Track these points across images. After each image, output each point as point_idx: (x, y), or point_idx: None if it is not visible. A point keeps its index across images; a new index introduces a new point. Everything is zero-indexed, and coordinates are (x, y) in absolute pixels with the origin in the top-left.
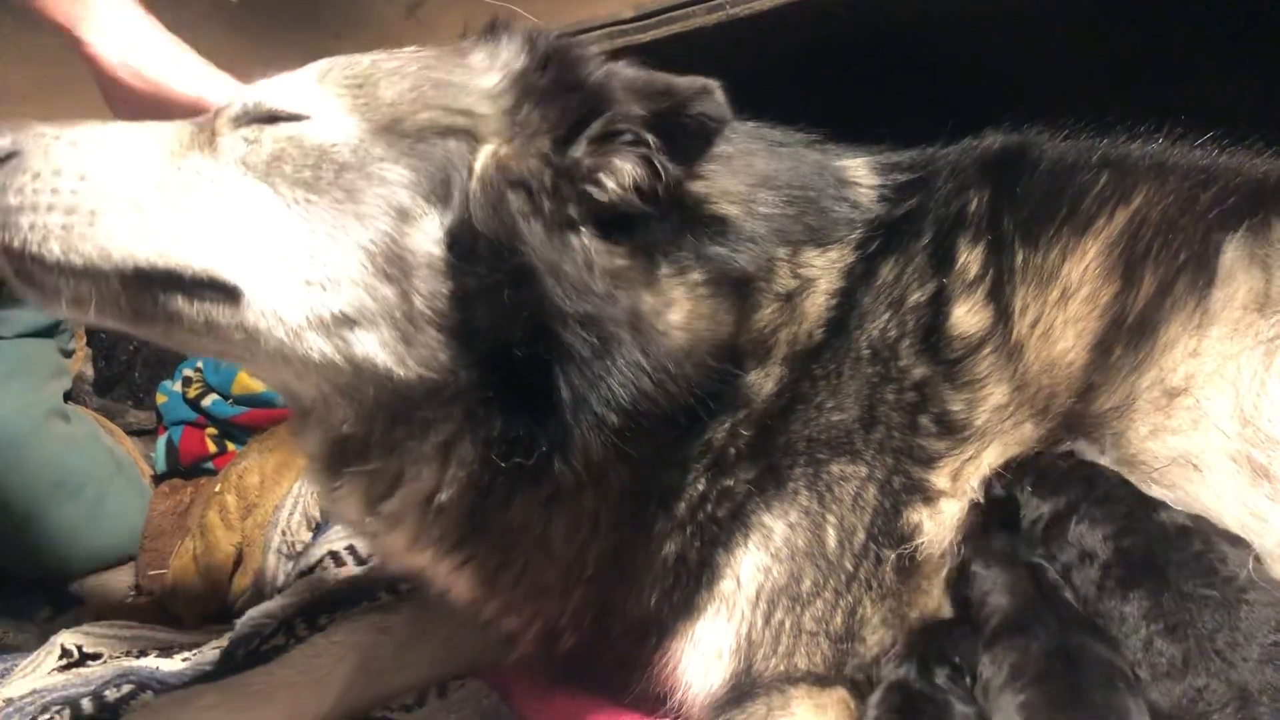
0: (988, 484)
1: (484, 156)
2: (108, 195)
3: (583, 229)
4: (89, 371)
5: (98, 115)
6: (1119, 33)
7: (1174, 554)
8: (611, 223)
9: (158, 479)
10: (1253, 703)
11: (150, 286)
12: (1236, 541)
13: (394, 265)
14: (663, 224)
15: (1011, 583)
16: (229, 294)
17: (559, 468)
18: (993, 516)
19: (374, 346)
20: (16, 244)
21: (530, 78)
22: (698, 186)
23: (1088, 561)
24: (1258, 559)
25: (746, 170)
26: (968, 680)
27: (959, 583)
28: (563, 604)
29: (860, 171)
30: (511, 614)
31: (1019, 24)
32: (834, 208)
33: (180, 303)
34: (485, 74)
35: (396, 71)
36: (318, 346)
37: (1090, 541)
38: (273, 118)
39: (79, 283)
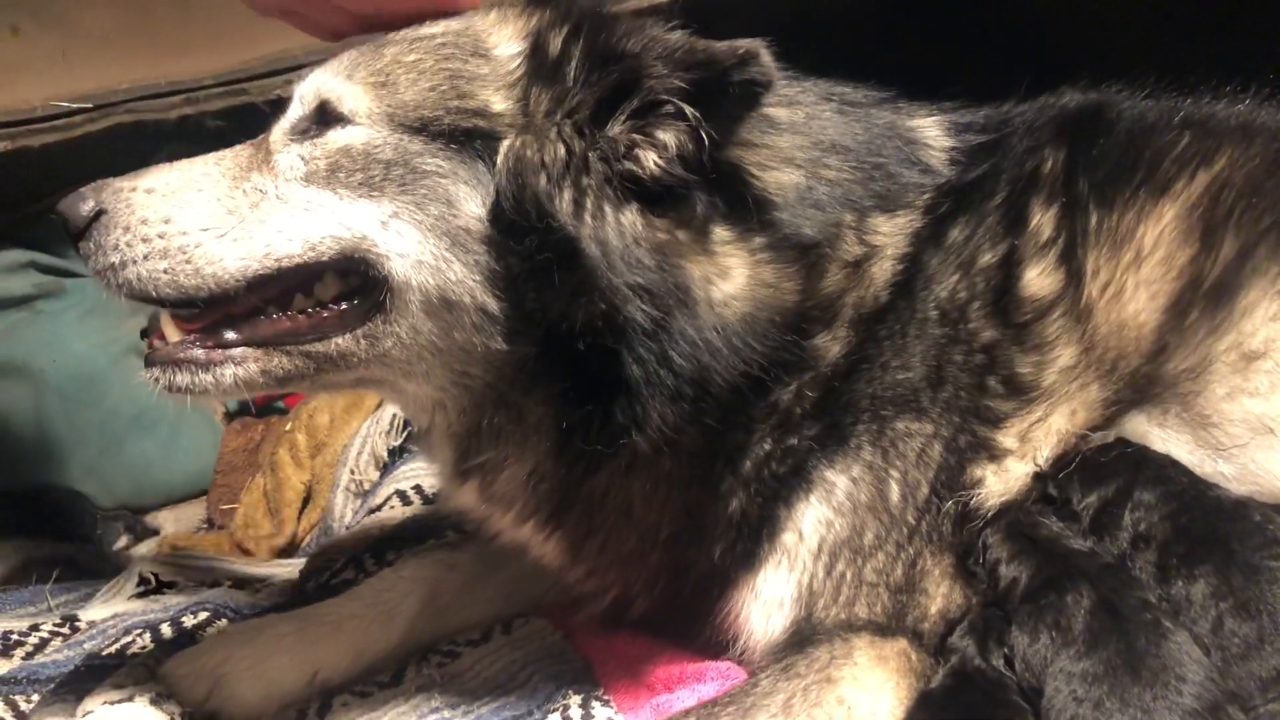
0: (1036, 484)
1: (504, 150)
2: (192, 232)
3: (626, 204)
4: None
5: (173, 56)
6: None
7: (1235, 526)
8: (659, 194)
9: (230, 416)
10: None
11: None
12: None
13: (458, 244)
14: (714, 192)
15: (1018, 550)
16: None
17: (636, 439)
18: (1036, 502)
19: (467, 325)
20: (134, 294)
21: (558, 52)
22: (758, 153)
23: (1144, 545)
24: None
25: (814, 134)
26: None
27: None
28: (640, 569)
29: (932, 132)
30: (594, 579)
31: None
32: (904, 172)
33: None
34: (507, 57)
35: (415, 68)
36: (427, 329)
37: (1146, 524)
38: (323, 120)
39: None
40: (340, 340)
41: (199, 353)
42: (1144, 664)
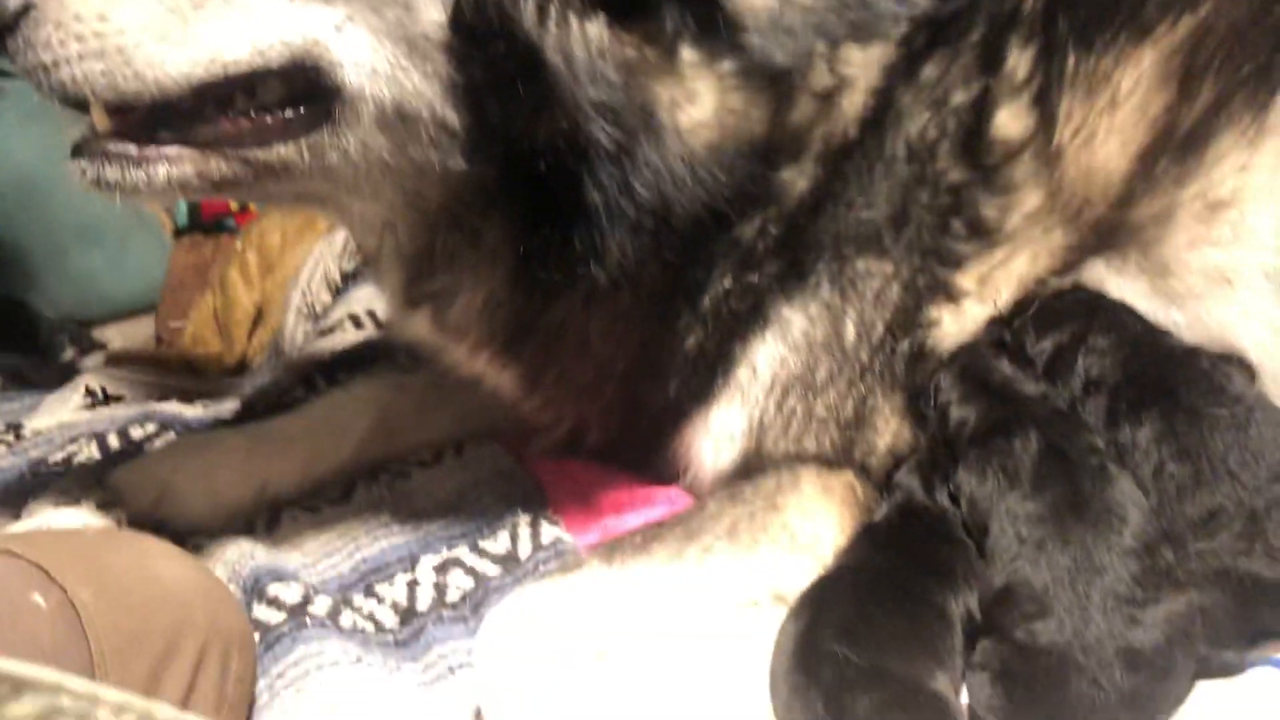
0: (991, 328)
1: None
2: (130, 31)
3: (592, 13)
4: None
5: None
6: None
7: (1183, 373)
8: (627, 6)
9: (179, 233)
10: (1261, 519)
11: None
12: (1241, 364)
13: (416, 51)
14: (685, 9)
15: (969, 393)
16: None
17: (595, 270)
18: (990, 346)
19: (423, 140)
20: (69, 97)
21: None
22: None
23: (1095, 390)
24: (1264, 381)
25: None
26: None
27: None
28: (596, 402)
29: None
30: (549, 410)
31: None
32: (879, 1)
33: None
34: None
35: None
36: (380, 144)
37: (1098, 370)
38: None
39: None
40: (283, 149)
41: (131, 148)
42: (1088, 506)
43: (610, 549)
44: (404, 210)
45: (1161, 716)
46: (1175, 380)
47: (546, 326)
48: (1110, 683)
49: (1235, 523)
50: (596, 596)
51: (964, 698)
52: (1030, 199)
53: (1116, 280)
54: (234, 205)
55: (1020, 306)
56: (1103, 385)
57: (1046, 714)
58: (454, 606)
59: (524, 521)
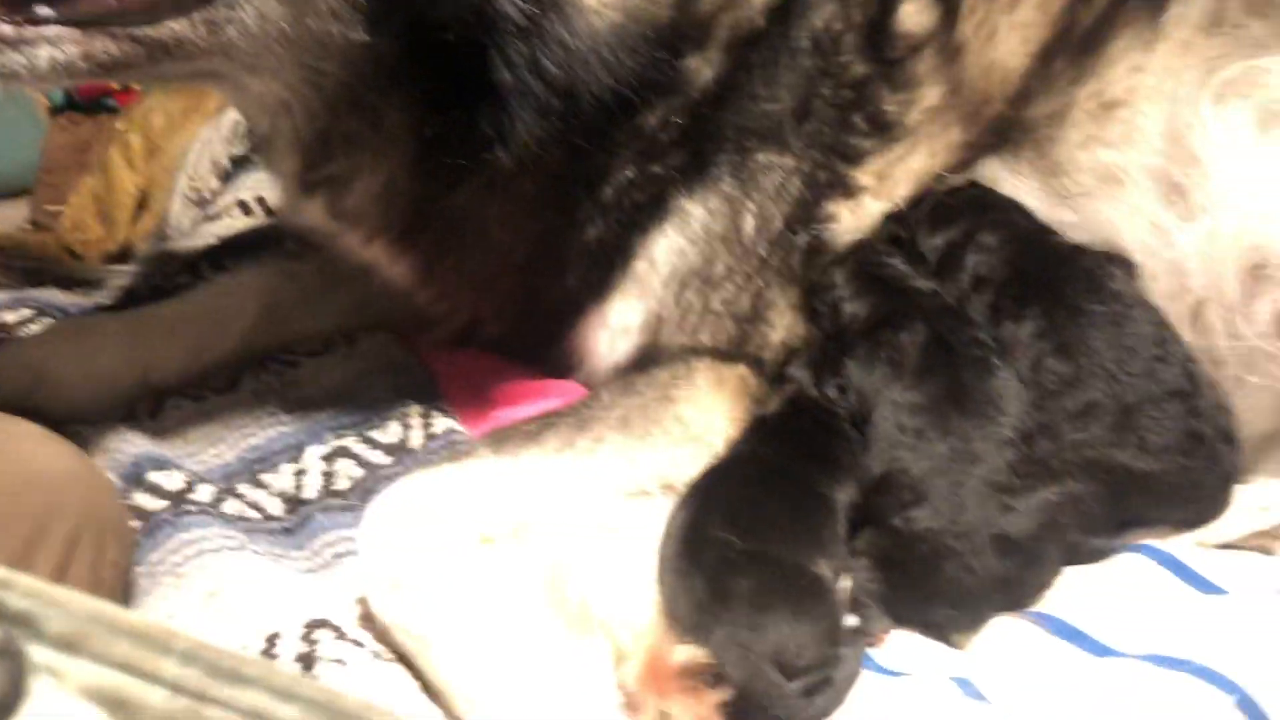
0: (887, 225)
1: None
2: None
3: None
4: None
5: None
6: None
7: (1066, 270)
8: None
9: (54, 111)
10: (1133, 413)
11: None
12: (1123, 263)
13: None
14: None
15: (861, 288)
16: None
17: (499, 154)
18: (885, 242)
19: (323, 10)
20: None
21: None
22: None
23: (982, 287)
24: (1143, 279)
25: None
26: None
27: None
28: (494, 293)
29: None
30: (446, 301)
31: None
32: None
33: None
34: None
35: None
36: (278, 15)
37: (986, 266)
38: None
39: None
40: (175, 25)
41: (7, 29)
42: (968, 397)
43: (500, 437)
44: (302, 89)
45: (1031, 600)
46: (1058, 278)
47: (446, 214)
48: (982, 567)
49: (1108, 416)
50: (484, 485)
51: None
52: (930, 95)
53: (1011, 178)
54: (115, 83)
55: (916, 203)
56: (989, 282)
57: (922, 597)
58: (342, 495)
59: (416, 412)
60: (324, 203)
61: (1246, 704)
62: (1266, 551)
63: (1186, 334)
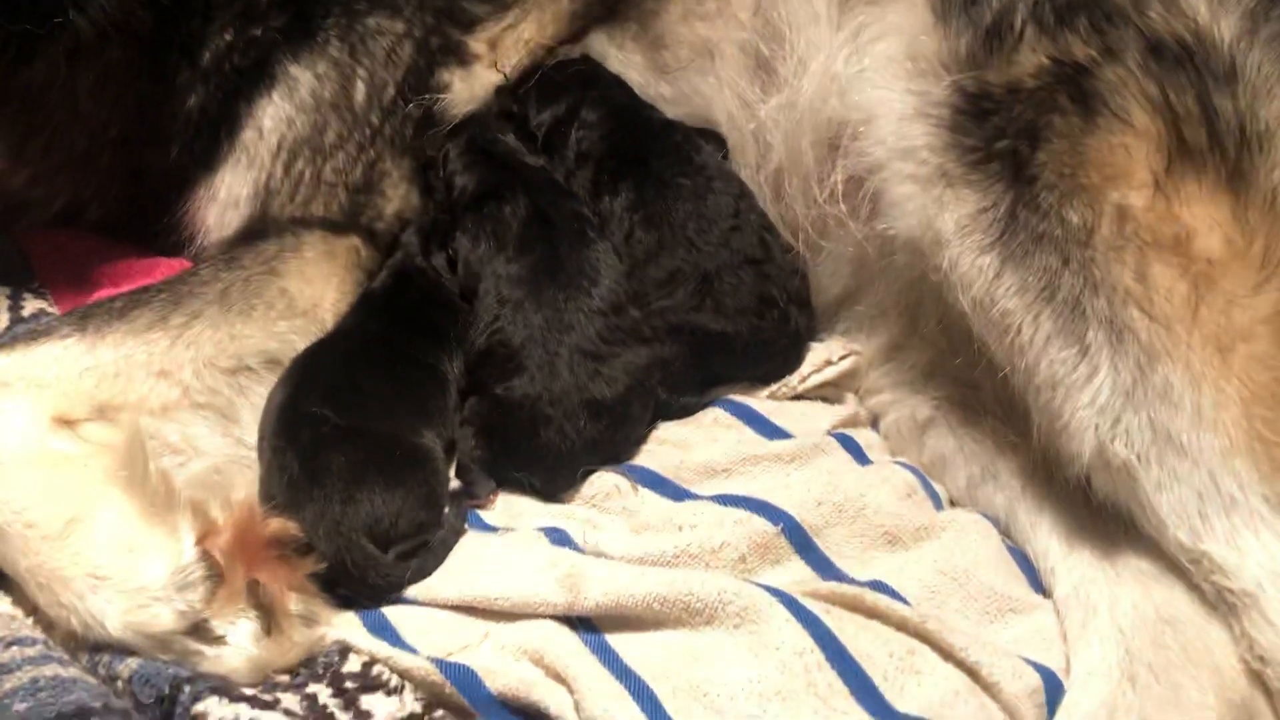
0: (499, 99)
1: None
2: None
3: None
4: None
5: None
6: None
7: (658, 144)
8: None
9: None
10: (712, 279)
11: None
12: (711, 137)
13: None
14: None
15: (472, 162)
16: None
17: (76, 18)
18: (498, 117)
19: None
20: None
21: None
22: None
23: (584, 163)
24: (726, 154)
25: None
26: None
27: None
28: (92, 173)
29: None
30: (40, 185)
31: None
32: None
33: None
34: None
35: None
36: None
37: (588, 143)
38: None
39: None
40: None
41: None
42: (563, 269)
43: (85, 315)
44: None
45: (624, 455)
46: (649, 152)
47: (26, 89)
48: (575, 430)
49: (690, 283)
50: (66, 366)
51: None
52: None
53: (618, 53)
54: None
55: (528, 75)
56: (590, 158)
57: (521, 461)
58: None
59: (3, 294)
60: None
61: (791, 529)
62: (831, 401)
63: (769, 204)
